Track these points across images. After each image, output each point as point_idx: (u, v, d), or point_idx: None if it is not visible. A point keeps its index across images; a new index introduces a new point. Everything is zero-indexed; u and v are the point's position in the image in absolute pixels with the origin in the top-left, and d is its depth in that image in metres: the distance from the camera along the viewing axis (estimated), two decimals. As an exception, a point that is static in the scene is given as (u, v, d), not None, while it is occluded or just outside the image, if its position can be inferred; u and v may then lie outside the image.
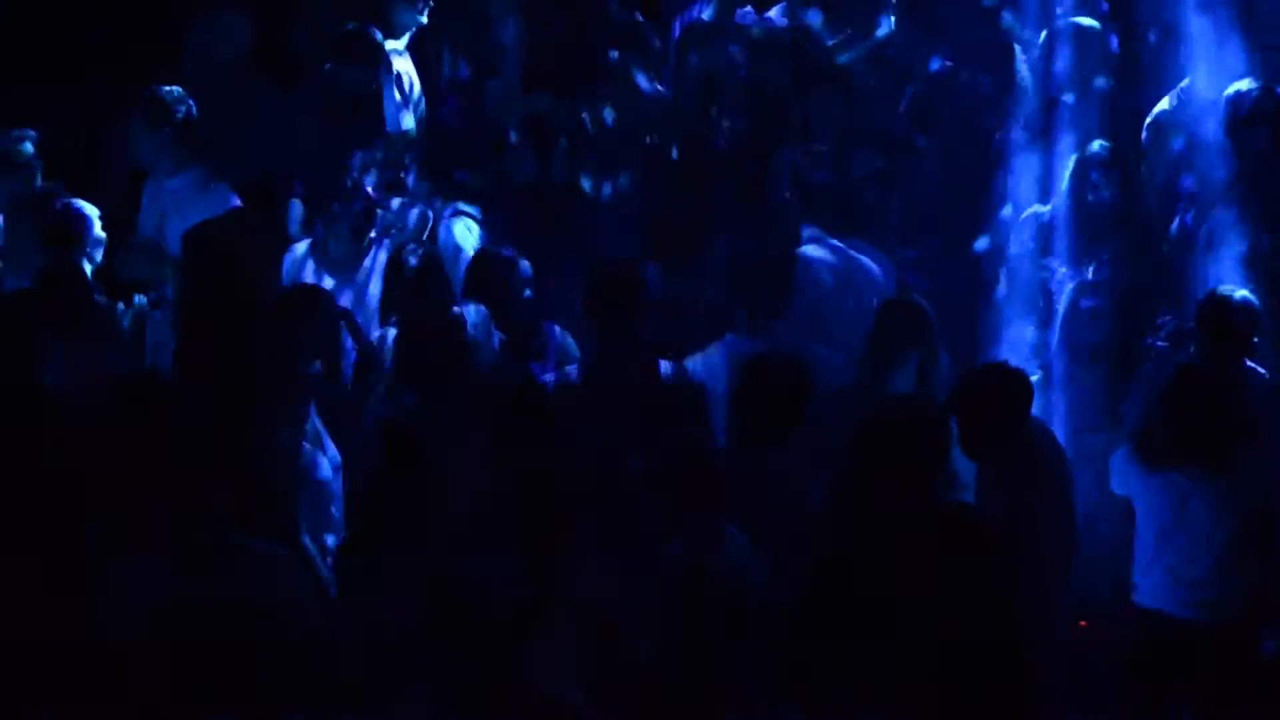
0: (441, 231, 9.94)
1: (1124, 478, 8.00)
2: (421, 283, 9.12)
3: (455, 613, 6.25)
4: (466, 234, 9.95)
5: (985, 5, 10.81)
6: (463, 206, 10.09)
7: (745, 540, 7.23)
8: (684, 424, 7.81)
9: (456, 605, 6.27)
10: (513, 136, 10.72)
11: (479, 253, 9.65)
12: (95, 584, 6.86)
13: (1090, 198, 9.58)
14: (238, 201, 9.86)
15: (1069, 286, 9.28)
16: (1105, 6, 10.66)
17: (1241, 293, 8.66)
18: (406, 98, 10.83)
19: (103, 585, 6.83)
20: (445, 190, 10.15)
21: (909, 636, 6.59)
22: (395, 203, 10.02)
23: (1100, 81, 10.36)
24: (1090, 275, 9.30)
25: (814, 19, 11.16)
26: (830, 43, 10.97)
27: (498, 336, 9.09)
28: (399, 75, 10.77)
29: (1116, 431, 8.23)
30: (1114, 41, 10.48)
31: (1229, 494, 7.81)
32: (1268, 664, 7.67)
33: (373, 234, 9.76)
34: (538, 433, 7.81)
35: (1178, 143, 10.03)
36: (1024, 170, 10.07)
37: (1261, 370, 8.71)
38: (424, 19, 11.02)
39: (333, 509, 7.86)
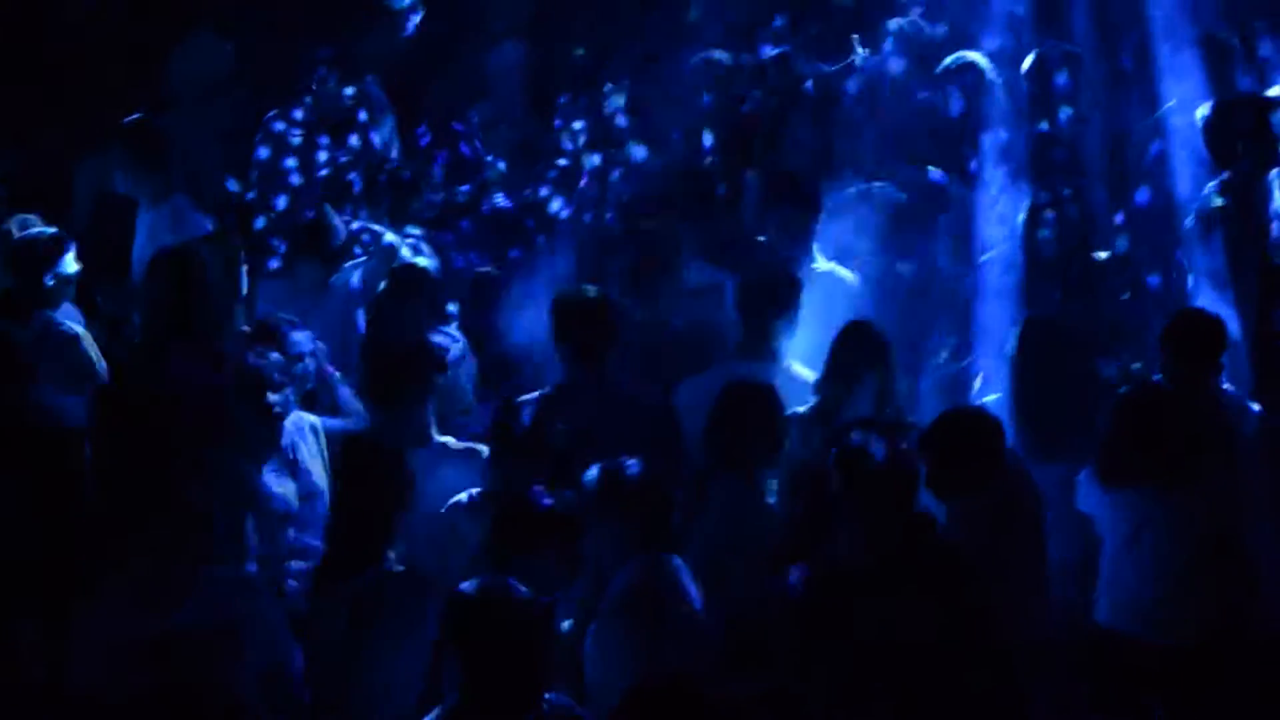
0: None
1: (1087, 496, 7.97)
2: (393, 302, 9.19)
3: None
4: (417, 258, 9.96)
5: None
6: (411, 230, 10.13)
7: (686, 568, 7.23)
8: (650, 452, 7.76)
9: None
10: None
11: (475, 275, 9.67)
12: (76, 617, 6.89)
13: (1041, 236, 9.57)
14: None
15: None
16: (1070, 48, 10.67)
17: (1209, 312, 8.63)
18: (376, 121, 10.89)
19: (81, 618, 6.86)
20: (400, 214, 10.20)
21: (885, 653, 6.66)
22: (378, 228, 10.09)
23: (1083, 105, 10.36)
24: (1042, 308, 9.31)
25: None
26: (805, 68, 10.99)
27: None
28: (371, 98, 10.82)
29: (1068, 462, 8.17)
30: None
31: (1184, 515, 7.74)
32: (1227, 685, 7.62)
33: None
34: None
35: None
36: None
37: (1233, 390, 8.66)
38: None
39: (294, 535, 7.91)
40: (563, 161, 10.75)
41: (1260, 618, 7.83)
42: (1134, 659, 7.81)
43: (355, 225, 10.11)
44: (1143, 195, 10.12)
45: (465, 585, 6.24)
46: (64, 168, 10.76)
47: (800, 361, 8.87)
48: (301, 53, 10.92)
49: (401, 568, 7.21)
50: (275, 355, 8.15)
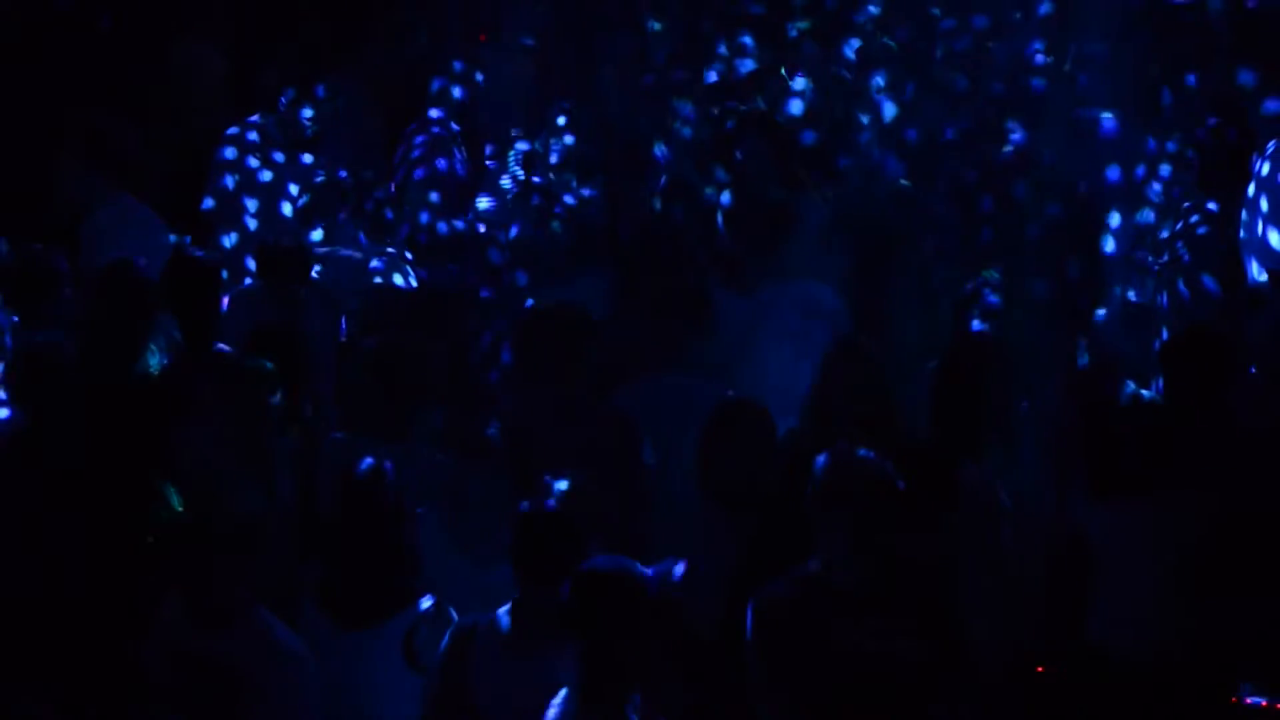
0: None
1: (1077, 511, 7.91)
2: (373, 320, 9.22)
3: None
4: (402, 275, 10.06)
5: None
6: (381, 248, 10.23)
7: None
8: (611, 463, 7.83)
9: None
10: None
11: (434, 288, 9.67)
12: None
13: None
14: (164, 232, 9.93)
15: None
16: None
17: (1215, 329, 8.59)
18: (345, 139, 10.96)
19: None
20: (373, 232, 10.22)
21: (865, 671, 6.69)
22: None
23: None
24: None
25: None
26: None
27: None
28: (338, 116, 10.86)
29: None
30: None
31: (1166, 531, 7.67)
32: (1208, 705, 7.59)
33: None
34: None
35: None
36: None
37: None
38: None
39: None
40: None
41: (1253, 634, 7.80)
42: (1117, 677, 7.72)
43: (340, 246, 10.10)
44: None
45: (593, 563, 6.17)
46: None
47: (781, 380, 8.83)
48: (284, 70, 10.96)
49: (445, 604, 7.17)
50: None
